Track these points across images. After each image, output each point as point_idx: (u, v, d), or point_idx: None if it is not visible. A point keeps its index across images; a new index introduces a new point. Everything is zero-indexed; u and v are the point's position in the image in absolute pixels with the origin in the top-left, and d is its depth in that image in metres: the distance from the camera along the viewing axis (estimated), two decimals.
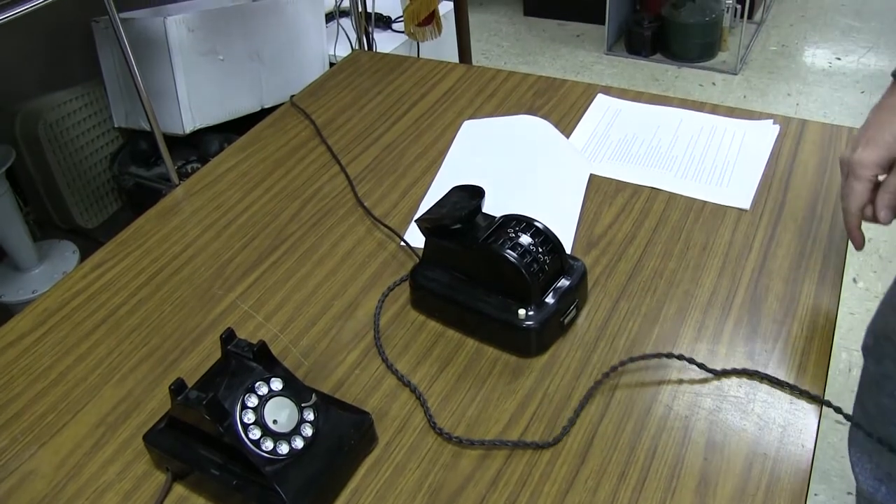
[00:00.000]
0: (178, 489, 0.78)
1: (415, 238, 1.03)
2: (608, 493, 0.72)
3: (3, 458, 0.86)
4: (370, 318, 0.94)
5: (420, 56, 2.30)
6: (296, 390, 0.75)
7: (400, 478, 0.76)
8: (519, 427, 0.78)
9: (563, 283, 0.86)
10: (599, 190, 1.09)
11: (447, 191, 0.90)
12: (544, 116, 1.26)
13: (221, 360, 0.78)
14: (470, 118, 1.30)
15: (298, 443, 0.72)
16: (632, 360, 0.83)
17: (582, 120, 1.25)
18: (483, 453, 0.77)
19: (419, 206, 1.11)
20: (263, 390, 0.73)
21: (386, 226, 1.07)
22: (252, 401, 0.72)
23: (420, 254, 0.99)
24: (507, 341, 0.86)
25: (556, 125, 1.24)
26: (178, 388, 0.72)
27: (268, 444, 0.71)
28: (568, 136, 1.22)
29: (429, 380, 0.85)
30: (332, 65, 2.28)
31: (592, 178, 1.11)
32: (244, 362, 0.75)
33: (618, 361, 0.83)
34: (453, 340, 0.89)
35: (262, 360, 0.76)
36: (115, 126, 2.19)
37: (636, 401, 0.80)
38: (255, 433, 0.71)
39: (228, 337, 0.78)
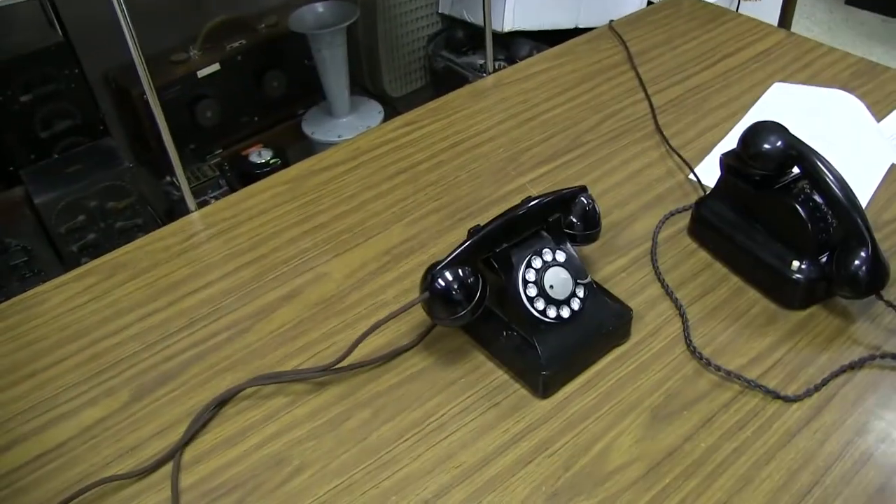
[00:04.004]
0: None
1: (704, 174, 1.04)
2: (836, 448, 0.72)
3: (305, 256, 0.97)
4: (646, 233, 0.96)
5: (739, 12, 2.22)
6: (575, 267, 0.80)
7: (642, 375, 0.79)
8: (762, 367, 0.79)
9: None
10: None
11: (752, 127, 0.88)
12: (858, 98, 1.21)
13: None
14: (781, 81, 1.27)
15: (566, 312, 0.77)
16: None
17: None
18: (721, 380, 0.78)
19: (713, 149, 1.11)
20: (548, 257, 0.79)
21: (681, 156, 1.09)
22: (536, 263, 0.78)
23: (706, 189, 1.00)
24: (772, 288, 0.86)
25: (869, 109, 1.18)
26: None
27: (540, 305, 0.77)
28: (878, 121, 1.16)
29: (688, 301, 0.87)
30: (650, 2, 2.26)
31: (894, 168, 1.06)
32: (538, 231, 0.80)
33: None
34: (719, 274, 0.90)
35: (554, 231, 0.81)
36: (439, 11, 2.30)
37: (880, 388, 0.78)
38: (532, 291, 0.77)
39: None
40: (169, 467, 0.74)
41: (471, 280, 0.74)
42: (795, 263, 0.83)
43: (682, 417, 0.75)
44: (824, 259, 0.83)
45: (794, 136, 0.85)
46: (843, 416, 0.74)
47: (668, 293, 0.88)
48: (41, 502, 0.71)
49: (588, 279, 0.80)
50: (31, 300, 0.95)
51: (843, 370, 0.78)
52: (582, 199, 0.83)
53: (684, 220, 0.98)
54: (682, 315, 0.85)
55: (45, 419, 0.80)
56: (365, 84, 2.39)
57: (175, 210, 1.91)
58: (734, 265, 0.90)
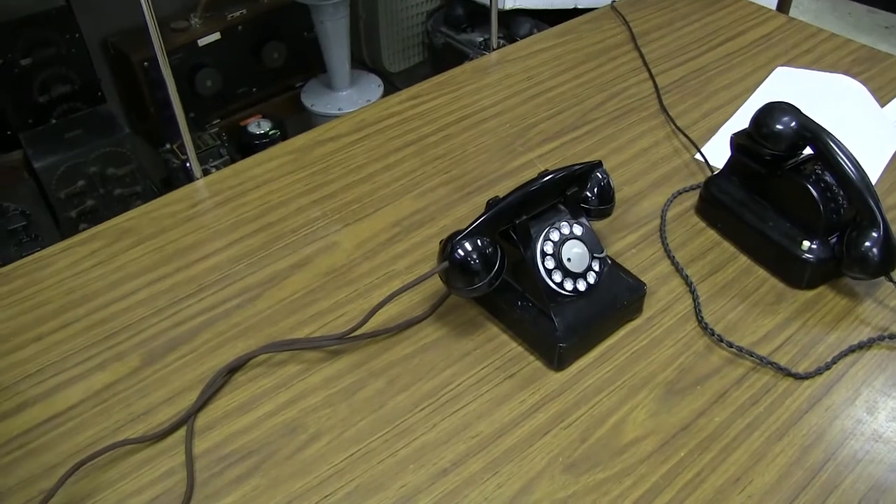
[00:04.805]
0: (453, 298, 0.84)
1: (711, 154, 1.03)
2: (847, 425, 0.71)
3: (314, 226, 0.96)
4: (655, 210, 0.95)
5: None
6: (591, 241, 0.78)
7: (655, 349, 0.78)
8: (772, 345, 0.79)
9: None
10: None
11: (765, 107, 0.87)
12: (861, 83, 1.20)
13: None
14: (784, 65, 1.25)
15: (582, 285, 0.76)
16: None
17: None
18: (733, 356, 0.78)
19: (719, 129, 1.10)
20: (566, 231, 0.77)
21: (687, 136, 1.07)
22: (554, 236, 0.76)
23: (713, 169, 0.99)
24: (781, 267, 0.85)
25: (872, 94, 1.18)
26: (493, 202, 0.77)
27: (557, 277, 0.75)
28: (882, 107, 1.15)
29: (697, 279, 0.86)
30: None
31: None
32: (556, 204, 0.79)
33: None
34: (727, 253, 0.90)
35: (571, 205, 0.79)
36: None
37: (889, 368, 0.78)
38: (550, 263, 0.75)
39: None
40: (181, 433, 0.72)
41: (490, 251, 0.72)
42: (806, 243, 0.82)
43: (695, 392, 0.74)
44: (834, 239, 0.83)
45: (807, 116, 0.84)
46: (853, 395, 0.74)
47: (679, 270, 0.87)
48: (53, 465, 0.70)
49: (604, 253, 0.79)
50: (35, 264, 0.92)
51: (851, 350, 0.78)
52: (597, 173, 0.82)
53: (692, 198, 0.97)
54: (693, 292, 0.84)
55: (53, 382, 0.78)
56: (363, 59, 2.36)
57: (173, 179, 1.88)
58: (743, 244, 0.89)
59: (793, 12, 3.56)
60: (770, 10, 1.45)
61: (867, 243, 0.78)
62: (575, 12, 1.52)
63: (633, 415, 0.72)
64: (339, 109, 2.07)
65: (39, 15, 1.66)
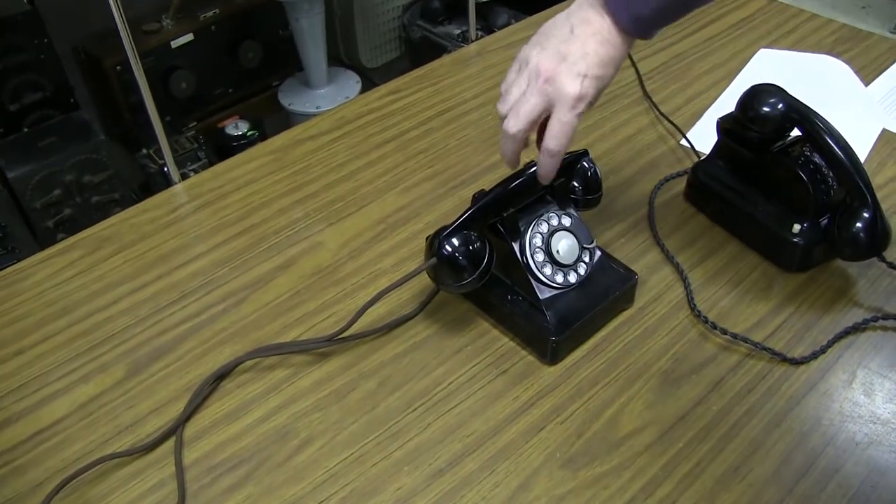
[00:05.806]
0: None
1: (696, 139, 1.02)
2: (846, 409, 0.71)
3: (297, 226, 0.95)
4: (642, 198, 0.95)
5: None
6: (580, 231, 0.78)
7: (648, 339, 0.78)
8: (766, 330, 0.78)
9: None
10: (888, 144, 1.03)
11: (751, 90, 0.87)
12: (845, 62, 1.20)
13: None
14: (767, 47, 1.25)
15: (573, 277, 0.76)
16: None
17: (884, 74, 1.18)
18: (727, 343, 0.77)
19: (703, 114, 1.09)
20: (554, 222, 0.77)
21: (672, 122, 1.07)
22: (543, 228, 0.76)
23: (700, 154, 0.99)
24: (772, 251, 0.85)
25: (857, 73, 1.18)
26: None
27: (547, 270, 0.75)
28: (866, 86, 1.15)
29: (689, 266, 0.86)
30: None
31: (884, 132, 1.05)
32: (543, 196, 0.79)
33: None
34: (718, 238, 0.89)
35: (559, 196, 0.79)
36: None
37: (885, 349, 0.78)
38: (540, 256, 0.75)
39: None
40: (170, 444, 0.71)
41: (477, 245, 0.72)
42: (796, 227, 0.82)
43: (690, 381, 0.74)
44: (825, 221, 0.82)
45: (794, 98, 0.84)
46: (849, 378, 0.74)
47: (669, 258, 0.86)
48: (40, 482, 0.69)
49: (593, 244, 0.79)
50: (13, 276, 0.91)
51: (846, 332, 0.78)
52: (584, 163, 0.81)
53: (679, 185, 0.97)
54: (685, 279, 0.83)
55: (37, 397, 0.76)
56: (340, 55, 2.35)
57: (151, 184, 1.86)
58: (733, 229, 0.89)
59: None
60: None
61: (858, 224, 0.78)
62: (552, 1, 1.51)
63: (630, 406, 0.72)
64: (317, 108, 2.05)
65: (5, 20, 1.63)
